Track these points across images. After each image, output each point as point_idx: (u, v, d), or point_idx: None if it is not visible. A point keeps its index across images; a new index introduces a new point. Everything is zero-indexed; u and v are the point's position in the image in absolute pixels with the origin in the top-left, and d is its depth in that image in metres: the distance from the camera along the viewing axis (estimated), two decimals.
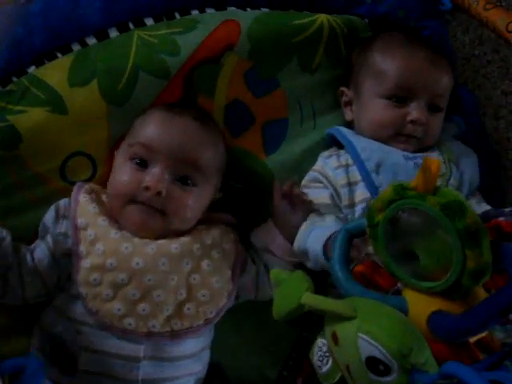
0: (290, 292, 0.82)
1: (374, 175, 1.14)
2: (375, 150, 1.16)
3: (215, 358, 1.12)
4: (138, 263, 0.99)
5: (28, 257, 1.02)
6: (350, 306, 0.75)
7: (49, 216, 1.06)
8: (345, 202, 1.15)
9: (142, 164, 1.04)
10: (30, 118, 1.07)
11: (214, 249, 1.06)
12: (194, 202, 1.05)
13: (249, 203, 1.19)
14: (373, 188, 1.13)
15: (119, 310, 0.97)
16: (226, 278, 1.05)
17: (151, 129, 1.06)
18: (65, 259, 1.02)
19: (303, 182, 1.19)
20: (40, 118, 1.08)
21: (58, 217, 1.05)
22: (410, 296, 0.81)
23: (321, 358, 0.86)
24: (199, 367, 1.06)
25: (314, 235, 1.07)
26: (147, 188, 1.01)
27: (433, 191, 0.77)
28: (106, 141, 1.11)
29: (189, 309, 1.00)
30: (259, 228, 1.15)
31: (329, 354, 0.84)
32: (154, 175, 1.02)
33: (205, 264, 1.04)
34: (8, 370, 0.75)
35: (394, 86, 1.17)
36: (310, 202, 1.13)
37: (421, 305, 0.78)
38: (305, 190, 1.16)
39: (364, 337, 0.72)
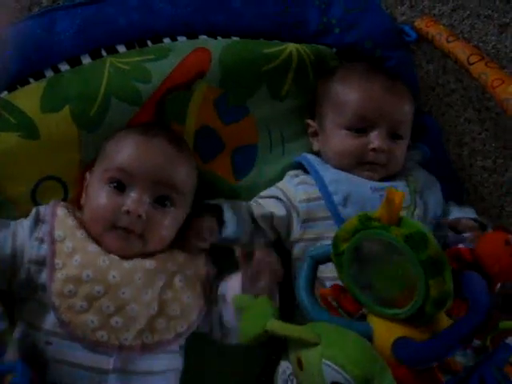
0: (255, 318, 0.84)
1: (340, 208, 1.16)
2: (343, 182, 1.19)
3: None
4: (114, 276, 1.00)
5: None
6: (314, 332, 0.78)
7: (28, 220, 1.06)
8: (303, 216, 1.18)
9: (120, 187, 1.05)
10: (0, 142, 1.08)
11: (186, 266, 1.08)
12: (172, 222, 1.07)
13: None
14: (340, 221, 1.15)
15: (92, 322, 0.98)
16: (197, 295, 1.07)
17: (127, 153, 1.07)
18: (33, 266, 1.02)
19: (261, 193, 1.23)
20: (11, 143, 1.09)
21: (37, 222, 1.05)
22: (374, 322, 0.84)
23: (285, 381, 0.88)
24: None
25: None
26: (127, 212, 1.03)
27: (396, 222, 0.80)
28: (77, 165, 1.12)
29: (160, 323, 1.02)
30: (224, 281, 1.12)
31: (293, 378, 0.86)
32: (134, 199, 1.04)
33: (177, 280, 1.06)
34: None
35: (352, 116, 1.20)
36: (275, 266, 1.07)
37: (385, 331, 0.81)
38: (258, 200, 1.21)
39: (328, 363, 0.74)
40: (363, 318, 0.88)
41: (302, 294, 0.88)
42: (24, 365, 0.83)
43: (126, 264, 1.03)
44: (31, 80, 1.12)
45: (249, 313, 0.87)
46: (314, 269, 0.91)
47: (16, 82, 1.11)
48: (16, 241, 1.04)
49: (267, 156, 1.26)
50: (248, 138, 1.24)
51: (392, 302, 0.82)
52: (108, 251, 1.04)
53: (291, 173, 1.25)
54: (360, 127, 1.20)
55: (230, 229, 1.13)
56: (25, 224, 1.05)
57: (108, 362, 0.99)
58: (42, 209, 1.08)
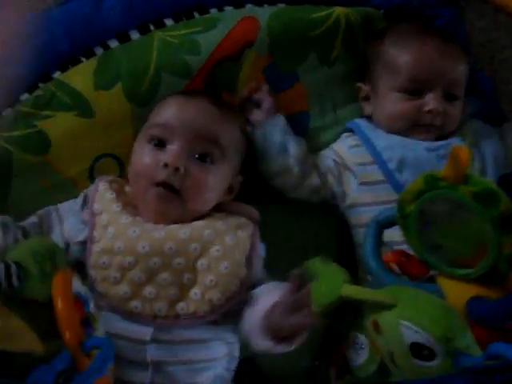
0: (328, 284, 0.84)
1: (397, 174, 1.15)
2: (396, 148, 1.17)
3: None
4: (144, 247, 0.99)
5: None
6: (390, 294, 0.77)
7: (78, 201, 1.08)
8: (361, 179, 1.17)
9: (160, 144, 1.05)
10: (57, 122, 1.10)
11: (226, 235, 1.04)
12: (212, 180, 1.05)
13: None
14: (397, 187, 1.14)
15: (126, 292, 0.98)
16: (238, 265, 1.02)
17: (167, 110, 1.08)
18: (77, 247, 1.03)
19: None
20: (67, 123, 1.10)
21: (85, 203, 1.07)
22: (445, 284, 0.83)
23: (355, 351, 0.88)
24: (217, 355, 1.01)
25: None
26: (165, 165, 1.02)
27: (464, 180, 0.78)
28: (131, 141, 1.12)
29: (195, 294, 1.00)
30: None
31: (364, 346, 0.85)
32: (172, 152, 1.03)
33: (214, 249, 1.02)
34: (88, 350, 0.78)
35: (407, 78, 1.17)
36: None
37: (457, 292, 0.80)
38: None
39: (407, 323, 0.74)
40: (431, 281, 0.87)
41: (370, 260, 0.88)
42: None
43: (157, 233, 1.01)
44: (82, 59, 1.13)
45: (321, 280, 0.86)
46: (379, 234, 0.90)
47: (67, 61, 1.12)
48: (64, 237, 1.04)
49: (320, 122, 1.24)
50: (299, 105, 1.23)
51: (463, 262, 0.81)
52: (148, 216, 1.03)
53: (346, 134, 1.24)
54: (414, 89, 1.17)
55: (279, 120, 1.15)
56: (73, 214, 1.06)
57: (146, 333, 0.98)
58: (89, 190, 1.08)
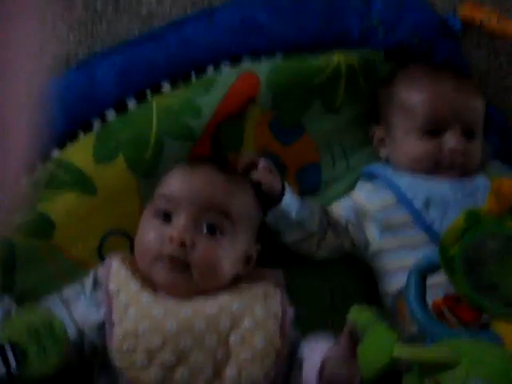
0: (377, 346, 0.77)
1: (423, 213, 1.10)
2: (420, 186, 1.13)
3: None
4: (171, 326, 0.92)
5: None
6: (450, 351, 0.70)
7: (87, 283, 1.00)
8: (384, 224, 1.12)
9: (166, 218, 0.99)
10: (59, 202, 1.04)
11: (256, 306, 0.97)
12: (223, 253, 0.98)
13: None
14: (425, 227, 1.09)
15: (156, 378, 0.91)
16: (273, 336, 0.95)
17: (171, 182, 1.03)
18: (94, 332, 0.95)
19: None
20: (70, 202, 1.04)
21: (95, 286, 0.99)
22: (502, 329, 0.76)
23: None
24: None
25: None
26: (171, 239, 0.96)
27: (509, 212, 0.72)
28: (139, 214, 1.06)
29: (231, 372, 0.93)
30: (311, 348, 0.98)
31: None
32: (177, 225, 0.97)
33: (246, 321, 0.95)
34: None
35: (424, 119, 1.14)
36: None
37: None
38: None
39: (477, 380, 0.66)
40: (484, 327, 0.80)
41: (416, 311, 0.81)
42: None
43: (184, 311, 0.94)
44: (80, 132, 1.08)
45: (368, 341, 0.79)
46: (422, 282, 0.83)
47: (65, 137, 1.07)
48: (76, 323, 0.96)
49: (331, 172, 1.19)
50: (309, 156, 1.18)
51: None
52: (162, 289, 0.97)
53: (362, 181, 1.19)
54: (433, 129, 1.13)
55: (289, 200, 1.06)
56: (82, 297, 0.99)
57: None
58: (100, 270, 1.01)
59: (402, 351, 0.73)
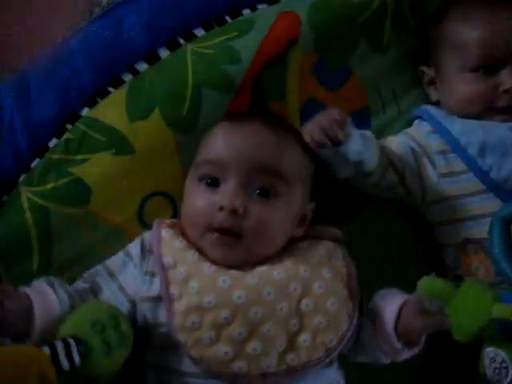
0: (473, 306, 0.69)
1: (479, 160, 1.02)
2: (474, 131, 1.04)
3: None
4: (239, 297, 0.85)
5: None
6: None
7: (134, 250, 0.92)
8: (442, 170, 1.03)
9: (214, 183, 0.91)
10: (95, 165, 0.96)
11: (322, 268, 0.91)
12: (278, 216, 0.90)
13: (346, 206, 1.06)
14: (481, 174, 1.01)
15: (226, 353, 0.83)
16: (344, 299, 0.90)
17: (216, 142, 0.93)
18: (148, 304, 0.88)
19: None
20: (106, 164, 0.96)
21: (143, 254, 0.92)
22: None
23: (497, 370, 0.75)
24: None
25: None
26: (221, 208, 0.88)
27: None
28: (180, 173, 0.99)
29: (304, 340, 0.86)
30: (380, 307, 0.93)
31: (507, 365, 0.73)
32: (227, 192, 0.89)
33: (316, 286, 0.89)
34: None
35: (479, 56, 1.04)
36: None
37: None
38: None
39: None
40: None
41: (503, 264, 0.73)
42: None
43: (250, 279, 0.87)
44: (110, 89, 0.99)
45: (460, 302, 0.72)
46: (507, 230, 0.76)
47: (94, 94, 0.98)
48: (127, 293, 0.90)
49: (382, 117, 1.10)
50: (357, 101, 1.09)
51: None
52: (211, 261, 0.89)
53: (418, 121, 1.10)
54: (487, 67, 1.04)
55: (355, 144, 0.94)
56: (131, 266, 0.92)
57: None
58: (146, 236, 0.94)
59: (503, 309, 0.65)
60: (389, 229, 1.09)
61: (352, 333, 0.88)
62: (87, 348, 0.77)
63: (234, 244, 0.88)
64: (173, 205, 0.99)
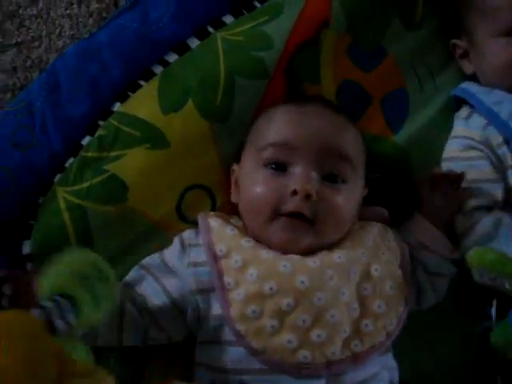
0: None
1: None
2: (506, 102, 0.99)
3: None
4: (302, 281, 0.82)
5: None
6: None
7: (172, 251, 0.89)
8: (508, 162, 0.98)
9: (279, 168, 0.87)
10: (130, 161, 0.93)
11: (378, 250, 0.89)
12: (347, 202, 0.88)
13: (393, 192, 1.02)
14: None
15: (290, 342, 0.80)
16: (399, 281, 0.87)
17: (281, 124, 0.90)
18: (198, 296, 0.85)
19: (450, 155, 1.01)
20: (141, 159, 0.93)
21: (183, 248, 0.89)
22: None
23: None
24: None
25: None
26: (294, 192, 0.84)
27: None
28: (217, 165, 0.96)
29: (366, 325, 0.83)
30: (407, 223, 0.97)
31: None
32: (299, 176, 0.85)
33: (373, 270, 0.86)
34: None
35: (510, 19, 1.00)
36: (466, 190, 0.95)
37: None
38: (453, 165, 0.99)
39: None
40: None
41: None
42: None
43: (312, 263, 0.84)
44: (141, 82, 0.96)
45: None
46: None
47: (125, 88, 0.96)
48: (172, 294, 0.87)
49: (419, 97, 1.06)
50: (394, 82, 1.05)
51: None
52: (275, 249, 0.85)
53: (461, 114, 1.04)
54: None
55: None
56: (168, 257, 0.89)
57: None
58: (184, 234, 0.91)
59: None
60: None
61: (407, 312, 0.87)
62: (77, 305, 0.72)
63: (305, 229, 0.85)
64: (211, 197, 0.96)
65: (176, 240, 0.91)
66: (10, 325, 0.63)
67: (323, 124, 0.88)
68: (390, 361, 0.88)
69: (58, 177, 0.93)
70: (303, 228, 0.85)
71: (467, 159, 0.99)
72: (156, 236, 0.95)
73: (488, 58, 1.03)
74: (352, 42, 1.02)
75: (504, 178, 0.98)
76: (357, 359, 0.82)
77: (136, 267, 0.91)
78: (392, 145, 1.03)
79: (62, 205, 0.92)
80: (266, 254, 0.84)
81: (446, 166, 1.01)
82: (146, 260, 0.91)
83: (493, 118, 1.00)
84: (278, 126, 0.90)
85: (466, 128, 1.02)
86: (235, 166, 0.94)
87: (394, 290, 0.86)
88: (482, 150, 0.99)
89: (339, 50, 1.01)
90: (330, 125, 0.89)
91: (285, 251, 0.85)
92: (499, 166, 0.98)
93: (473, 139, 1.00)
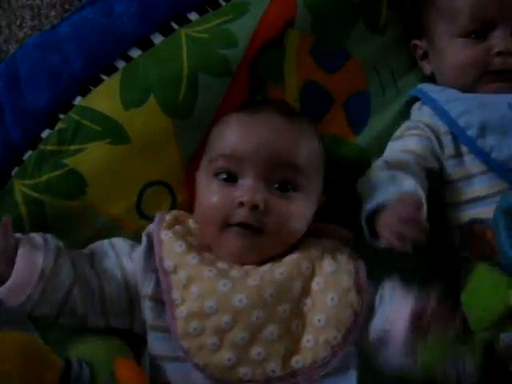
0: (489, 294, 0.67)
1: (480, 141, 0.98)
2: (473, 111, 1.00)
3: None
4: (240, 300, 0.82)
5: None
6: None
7: (140, 250, 0.88)
8: (449, 152, 1.00)
9: (230, 179, 0.88)
10: (89, 156, 0.93)
11: (324, 261, 0.87)
12: (298, 210, 0.88)
13: (351, 194, 1.03)
14: (483, 156, 0.98)
15: (229, 359, 0.81)
16: (345, 293, 0.85)
17: (231, 134, 0.90)
18: (151, 303, 0.85)
19: (396, 135, 1.03)
20: (101, 154, 0.93)
21: (151, 247, 0.88)
22: None
23: None
24: None
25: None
26: (241, 204, 0.85)
27: None
28: (178, 162, 0.96)
29: (308, 341, 0.83)
30: None
31: None
32: (246, 187, 0.86)
33: (315, 284, 0.85)
34: None
35: (468, 20, 1.01)
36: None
37: None
38: (395, 143, 1.01)
39: None
40: None
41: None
42: None
43: (252, 281, 0.84)
44: (103, 76, 0.95)
45: (472, 291, 0.69)
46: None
47: (87, 82, 0.95)
48: (126, 275, 0.87)
49: (381, 100, 1.07)
50: (357, 84, 1.06)
51: None
52: (227, 260, 0.86)
53: (415, 107, 1.06)
54: (478, 31, 1.01)
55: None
56: (135, 256, 0.89)
57: None
58: (151, 229, 0.90)
59: None
60: None
61: (359, 327, 0.84)
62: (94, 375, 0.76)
63: (254, 237, 0.85)
64: (171, 194, 0.96)
65: (144, 237, 0.89)
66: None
67: (272, 133, 0.88)
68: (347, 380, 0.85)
69: (15, 170, 0.92)
70: (252, 236, 0.85)
71: (408, 135, 1.01)
72: (114, 232, 0.94)
73: (445, 58, 1.04)
74: (316, 43, 1.02)
75: (440, 168, 1.00)
76: (297, 376, 0.82)
77: (106, 241, 0.91)
78: (353, 146, 1.04)
79: (19, 198, 0.91)
80: (208, 272, 0.84)
81: (389, 146, 1.02)
82: (116, 239, 0.91)
83: (443, 115, 1.01)
84: (227, 137, 0.90)
85: (418, 115, 1.04)
86: (197, 173, 0.94)
87: (337, 302, 0.84)
88: (425, 132, 1.00)
89: (303, 51, 1.02)
90: (280, 133, 0.88)
91: (236, 261, 0.86)
92: (439, 153, 1.00)
93: (421, 122, 1.02)
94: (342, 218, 0.98)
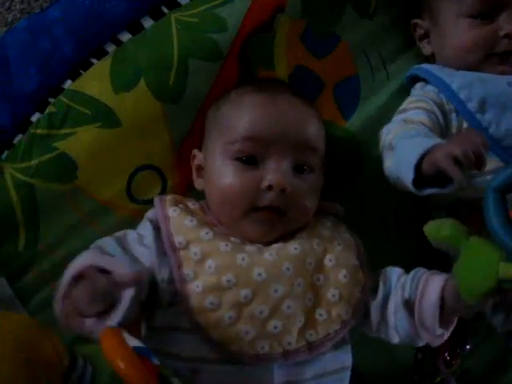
0: (479, 266, 0.68)
1: (479, 115, 0.98)
2: (474, 85, 1.00)
3: None
4: (260, 274, 0.82)
5: None
6: None
7: (147, 232, 0.87)
8: (453, 130, 1.00)
9: (250, 161, 0.87)
10: (80, 139, 0.93)
11: (333, 241, 0.90)
12: (313, 192, 0.90)
13: (340, 178, 1.04)
14: (481, 131, 0.97)
15: (247, 333, 0.81)
16: (355, 270, 0.88)
17: (254, 117, 0.88)
18: (169, 286, 0.84)
19: (402, 107, 1.02)
20: (91, 138, 0.93)
21: (157, 230, 0.86)
22: None
23: None
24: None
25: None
26: (269, 187, 0.85)
27: None
28: (169, 146, 0.96)
29: (321, 314, 0.85)
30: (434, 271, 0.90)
31: None
32: (275, 170, 0.86)
33: (327, 260, 0.87)
34: None
35: (476, 1, 1.00)
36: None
37: None
38: (400, 116, 1.00)
39: None
40: None
41: (501, 235, 0.71)
42: None
43: (269, 255, 0.84)
44: (93, 60, 0.95)
45: (466, 261, 0.70)
46: (501, 201, 0.74)
47: (77, 66, 0.94)
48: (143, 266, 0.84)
49: (371, 85, 1.08)
50: (346, 69, 1.06)
51: None
52: (247, 238, 0.87)
53: (416, 87, 1.06)
54: (485, 12, 1.00)
55: None
56: (146, 242, 0.86)
57: (271, 378, 0.82)
58: (150, 215, 0.89)
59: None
60: (382, 194, 1.05)
61: (366, 304, 0.88)
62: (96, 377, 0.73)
63: (277, 222, 0.86)
64: (161, 178, 0.97)
65: (147, 223, 0.88)
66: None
67: (297, 117, 0.89)
68: (348, 358, 0.88)
69: (5, 153, 0.92)
70: (274, 220, 0.86)
71: (414, 108, 1.00)
72: (105, 216, 0.95)
73: (450, 38, 1.03)
74: (306, 28, 1.02)
75: None
76: (312, 348, 0.83)
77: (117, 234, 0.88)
78: (343, 131, 1.05)
79: (9, 182, 0.91)
80: (224, 246, 0.84)
81: (394, 120, 1.00)
82: (121, 232, 0.88)
83: (444, 88, 1.01)
84: (251, 119, 0.88)
85: (421, 92, 1.03)
86: (196, 152, 0.94)
87: (349, 278, 0.87)
88: (431, 106, 0.99)
89: (293, 36, 1.02)
90: (303, 117, 0.90)
91: (254, 240, 0.86)
92: (444, 129, 0.99)
93: (427, 96, 1.01)
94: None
